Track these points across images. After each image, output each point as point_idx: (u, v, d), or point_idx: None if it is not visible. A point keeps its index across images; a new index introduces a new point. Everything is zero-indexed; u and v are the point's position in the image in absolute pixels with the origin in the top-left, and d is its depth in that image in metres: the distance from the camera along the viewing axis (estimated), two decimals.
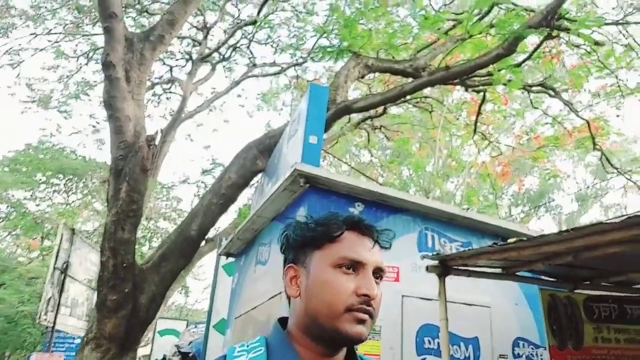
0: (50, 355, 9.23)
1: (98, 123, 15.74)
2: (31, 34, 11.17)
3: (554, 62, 7.86)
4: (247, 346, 1.10)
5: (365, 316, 1.03)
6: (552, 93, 7.43)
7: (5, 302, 16.45)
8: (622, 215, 2.55)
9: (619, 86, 7.24)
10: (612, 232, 2.60)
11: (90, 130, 13.68)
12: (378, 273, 1.09)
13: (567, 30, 5.91)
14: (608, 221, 2.58)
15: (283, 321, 1.14)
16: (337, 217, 1.12)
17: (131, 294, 5.48)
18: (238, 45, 11.85)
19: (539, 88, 7.50)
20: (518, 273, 3.76)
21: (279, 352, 1.06)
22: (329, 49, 8.02)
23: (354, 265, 1.06)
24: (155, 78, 11.69)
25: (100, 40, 11.64)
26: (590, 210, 19.14)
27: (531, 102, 7.95)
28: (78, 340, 12.10)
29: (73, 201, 17.11)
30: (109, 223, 5.50)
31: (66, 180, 16.24)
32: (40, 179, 15.80)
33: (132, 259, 5.59)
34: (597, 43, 6.20)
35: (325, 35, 9.26)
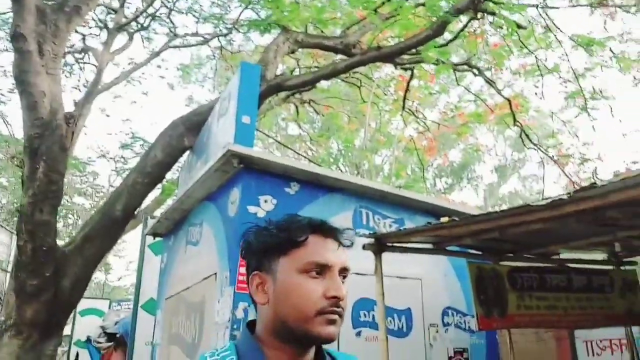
0: None
1: (3, 95, 14.55)
2: None
3: (478, 41, 8.14)
4: (218, 355, 1.10)
5: (335, 316, 1.05)
6: (476, 72, 7.73)
7: None
8: (546, 197, 2.72)
9: (538, 65, 7.64)
10: (537, 212, 2.77)
11: None
12: (344, 272, 1.10)
13: (492, 13, 6.13)
14: (533, 203, 2.75)
15: (250, 325, 1.15)
16: (299, 222, 1.12)
17: (52, 278, 5.19)
18: (157, 14, 11.25)
19: (464, 67, 7.76)
20: (448, 247, 3.94)
21: (250, 357, 1.07)
22: (256, 22, 7.82)
23: (321, 269, 1.07)
24: (68, 47, 10.87)
25: (3, 5, 10.66)
26: (509, 181, 20.40)
27: (456, 80, 8.22)
28: None
29: None
30: (25, 205, 5.13)
31: None
32: None
33: (53, 242, 5.28)
34: (518, 26, 6.49)
35: (250, 5, 8.99)
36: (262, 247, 1.12)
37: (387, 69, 10.76)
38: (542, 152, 8.37)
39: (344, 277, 1.11)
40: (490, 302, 3.86)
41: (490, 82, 7.93)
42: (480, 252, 4.18)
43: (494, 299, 3.85)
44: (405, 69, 8.04)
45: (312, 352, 1.11)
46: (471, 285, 3.88)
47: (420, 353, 4.24)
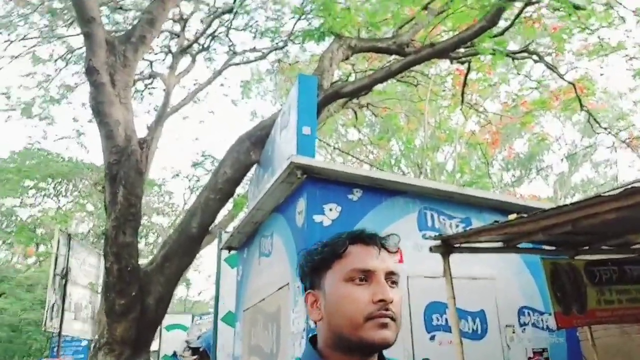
0: (60, 359, 9.30)
1: (82, 126, 15.59)
2: (5, 41, 10.94)
3: (536, 26, 7.86)
4: None
5: (386, 320, 1.06)
6: (536, 58, 7.46)
7: (8, 311, 16.48)
8: (618, 187, 2.62)
9: (601, 45, 7.28)
10: (610, 202, 2.68)
11: (74, 134, 13.49)
12: (391, 277, 1.12)
13: None
14: (605, 194, 2.66)
15: (313, 340, 1.17)
16: (341, 235, 1.16)
17: (138, 297, 5.52)
18: (216, 33, 11.67)
19: (523, 54, 7.53)
20: (519, 245, 3.84)
21: None
22: (310, 32, 7.96)
23: (365, 275, 1.09)
24: (136, 74, 11.51)
25: (76, 42, 11.44)
26: (580, 168, 19.34)
27: (516, 68, 7.97)
28: (84, 343, 12.22)
29: (64, 204, 17.00)
30: (109, 228, 5.51)
31: (55, 184, 16.10)
32: (29, 185, 15.66)
33: (136, 263, 5.62)
34: (576, 7, 6.22)
35: (303, 16, 9.16)
36: (311, 266, 1.17)
37: (443, 64, 10.60)
38: (614, 135, 7.94)
39: (393, 282, 1.12)
40: (568, 298, 3.75)
41: (551, 68, 7.63)
42: (553, 248, 4.05)
43: (571, 295, 3.73)
44: (462, 62, 7.90)
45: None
46: (546, 282, 3.78)
47: (497, 355, 4.14)
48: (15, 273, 18.56)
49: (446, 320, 4.00)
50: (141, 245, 16.87)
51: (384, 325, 1.05)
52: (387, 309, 1.06)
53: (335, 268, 1.12)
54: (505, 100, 10.94)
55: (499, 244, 3.86)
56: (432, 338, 3.99)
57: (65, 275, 8.92)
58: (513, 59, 7.87)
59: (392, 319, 1.07)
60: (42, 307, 10.12)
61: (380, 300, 1.06)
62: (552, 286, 3.76)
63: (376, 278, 1.09)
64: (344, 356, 1.09)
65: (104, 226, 6.26)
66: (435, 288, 3.95)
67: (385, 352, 1.16)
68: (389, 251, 1.15)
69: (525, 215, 3.13)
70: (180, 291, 23.32)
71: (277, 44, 11.42)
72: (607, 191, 2.68)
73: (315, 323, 1.16)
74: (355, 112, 11.24)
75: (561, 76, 7.63)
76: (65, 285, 8.86)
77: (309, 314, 1.16)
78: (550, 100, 8.81)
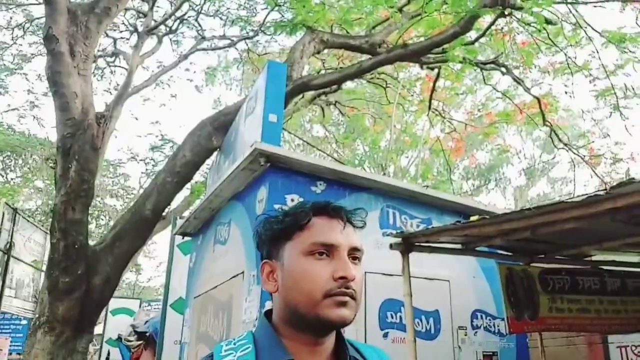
0: None
1: (37, 99, 14.95)
2: None
3: (506, 39, 8.02)
4: (235, 343, 1.07)
5: (346, 298, 1.00)
6: (504, 70, 7.61)
7: None
8: (578, 195, 2.65)
9: (567, 63, 7.49)
10: (571, 210, 2.70)
11: (28, 106, 12.93)
12: (354, 253, 1.06)
13: (519, 9, 6.03)
14: (568, 200, 2.68)
15: (268, 314, 1.12)
16: (304, 205, 1.10)
17: (84, 275, 5.32)
18: (185, 17, 11.42)
19: (492, 65, 7.66)
20: (477, 248, 3.87)
21: (267, 347, 1.04)
22: (282, 24, 7.86)
23: (327, 250, 1.03)
24: (99, 51, 11.11)
25: (36, 11, 10.98)
26: (538, 183, 20.00)
27: (483, 79, 8.11)
28: (24, 322, 11.74)
29: (12, 179, 16.28)
30: (58, 203, 5.27)
31: (4, 157, 15.41)
32: None
33: (85, 240, 5.41)
34: (547, 22, 6.37)
35: (277, 7, 9.05)
36: (270, 235, 1.10)
37: (413, 69, 10.70)
38: (573, 152, 8.19)
39: (356, 258, 1.06)
40: (521, 304, 3.79)
41: (518, 81, 7.80)
42: (510, 253, 4.10)
43: (525, 301, 3.78)
44: (432, 69, 7.97)
45: (331, 340, 1.07)
46: (501, 287, 3.82)
47: (448, 356, 4.17)
48: None
49: (401, 318, 4.00)
50: (92, 226, 16.34)
51: (343, 304, 1.00)
52: (347, 287, 1.00)
53: (296, 240, 1.05)
54: (470, 109, 11.15)
55: (458, 246, 3.88)
56: (385, 335, 3.98)
57: (8, 250, 8.51)
58: (482, 69, 8.00)
59: (352, 297, 1.01)
60: None
61: (341, 278, 1.00)
62: (507, 291, 3.79)
63: (338, 253, 1.03)
64: (299, 333, 1.04)
65: (53, 203, 5.99)
66: (391, 285, 3.93)
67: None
68: (354, 226, 1.09)
69: (487, 217, 3.13)
70: (129, 276, 22.72)
71: (247, 33, 11.27)
72: (569, 198, 2.71)
73: (271, 294, 1.09)
74: (323, 109, 11.21)
75: (527, 89, 7.80)
76: (7, 261, 8.45)
77: (262, 284, 1.10)
78: (514, 113, 9.01)
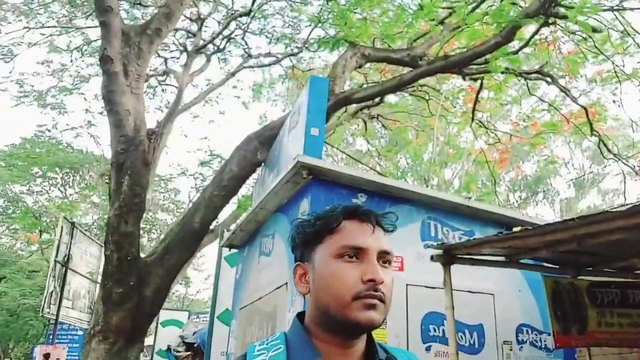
0: (54, 347, 9.28)
1: (94, 117, 15.74)
2: (24, 28, 11.08)
3: (550, 48, 7.87)
4: (267, 344, 1.11)
5: (374, 301, 1.02)
6: (549, 80, 7.46)
7: (7, 295, 16.60)
8: (627, 204, 2.60)
9: (615, 72, 7.27)
10: (617, 220, 2.65)
11: (85, 125, 13.64)
12: (384, 257, 1.08)
13: (564, 17, 5.93)
14: (613, 209, 2.63)
15: (301, 316, 1.14)
16: (335, 209, 1.12)
17: (136, 287, 5.52)
18: (233, 36, 11.79)
19: (536, 75, 7.53)
20: (521, 260, 3.81)
21: (298, 348, 1.07)
22: (325, 40, 8.01)
23: (356, 253, 1.06)
24: (150, 70, 11.62)
25: (93, 34, 11.59)
26: (587, 195, 19.25)
27: (528, 89, 7.97)
28: (80, 332, 12.25)
29: (70, 194, 17.12)
30: (112, 217, 5.52)
31: (63, 174, 16.23)
32: (37, 173, 15.81)
33: (136, 252, 5.63)
34: (594, 30, 6.23)
35: (320, 24, 9.24)
36: (302, 238, 1.13)
37: (456, 81, 10.63)
38: (623, 162, 7.90)
39: (386, 261, 1.08)
40: (568, 318, 3.70)
41: (564, 90, 7.62)
42: (556, 266, 4.01)
43: (572, 315, 3.69)
44: (474, 80, 7.90)
45: (362, 342, 1.09)
46: (547, 301, 3.74)
47: None
48: (17, 259, 18.71)
49: (443, 331, 3.97)
50: (144, 240, 16.95)
51: (372, 307, 1.02)
52: (376, 290, 1.02)
53: (327, 243, 1.08)
54: (516, 120, 10.94)
55: (502, 259, 3.83)
56: (428, 349, 3.95)
57: (66, 262, 8.94)
58: (526, 79, 7.87)
59: (381, 300, 1.03)
60: (42, 293, 10.16)
61: (370, 280, 1.02)
62: (553, 305, 3.72)
63: (368, 257, 1.05)
64: (329, 334, 1.06)
65: (107, 217, 6.28)
66: (434, 298, 3.91)
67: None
68: (384, 230, 1.12)
69: (530, 228, 3.10)
70: (178, 288, 23.34)
71: (291, 50, 11.53)
72: (614, 208, 2.66)
73: (304, 297, 1.12)
74: (365, 123, 11.27)
75: (574, 99, 7.62)
76: (65, 272, 8.88)
77: (296, 286, 1.13)
78: (561, 123, 8.79)
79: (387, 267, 1.08)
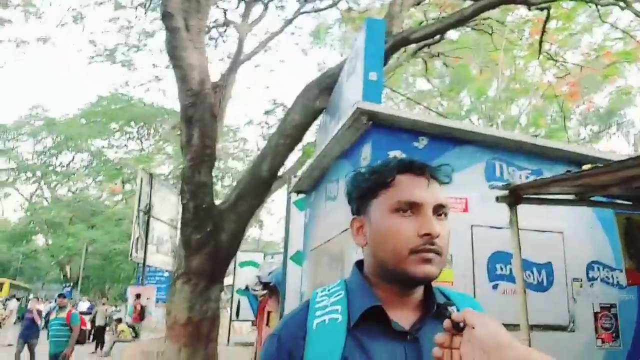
0: (145, 287, 10.14)
1: (161, 72, 16.26)
2: None
3: None
4: (329, 290, 1.15)
5: (431, 254, 1.03)
6: (623, 4, 6.87)
7: (99, 242, 18.12)
8: None
9: None
10: None
11: (154, 80, 14.15)
12: (440, 210, 1.08)
13: None
14: None
15: (360, 264, 1.17)
16: (389, 163, 1.13)
17: (212, 233, 5.86)
18: None
19: (609, 0, 6.95)
20: (592, 198, 3.72)
21: (357, 294, 1.11)
22: None
23: (412, 207, 1.06)
24: (210, 22, 11.76)
25: None
26: None
27: (599, 16, 7.40)
28: (166, 274, 13.24)
29: (147, 147, 18.07)
30: (185, 168, 5.83)
31: (138, 128, 17.09)
32: (115, 128, 16.73)
33: (211, 201, 5.94)
34: None
35: None
36: (358, 192, 1.14)
37: (521, 11, 10.01)
38: None
39: (442, 214, 1.08)
40: None
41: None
42: (629, 202, 3.89)
43: None
44: (541, 9, 7.42)
45: (420, 289, 1.12)
46: (619, 238, 3.67)
47: (562, 307, 4.09)
48: (105, 208, 20.23)
49: (510, 270, 3.98)
50: (218, 187, 17.75)
51: (428, 260, 1.03)
52: (432, 244, 1.03)
53: (382, 197, 1.09)
54: (586, 51, 10.23)
55: (571, 197, 3.75)
56: (495, 287, 4.01)
57: (148, 211, 9.61)
58: (597, 4, 7.29)
59: (438, 253, 1.04)
60: (129, 239, 11.00)
61: (426, 234, 1.03)
62: (625, 242, 3.64)
63: (423, 210, 1.06)
64: (388, 285, 1.10)
65: (182, 168, 6.63)
66: (500, 238, 3.92)
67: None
68: (440, 182, 1.11)
69: (601, 165, 3.02)
70: (253, 231, 24.53)
71: None
72: None
73: (362, 248, 1.15)
74: (425, 62, 10.95)
75: None
76: (148, 220, 9.55)
77: (354, 238, 1.16)
78: (636, 50, 8.14)
79: (443, 219, 1.09)
